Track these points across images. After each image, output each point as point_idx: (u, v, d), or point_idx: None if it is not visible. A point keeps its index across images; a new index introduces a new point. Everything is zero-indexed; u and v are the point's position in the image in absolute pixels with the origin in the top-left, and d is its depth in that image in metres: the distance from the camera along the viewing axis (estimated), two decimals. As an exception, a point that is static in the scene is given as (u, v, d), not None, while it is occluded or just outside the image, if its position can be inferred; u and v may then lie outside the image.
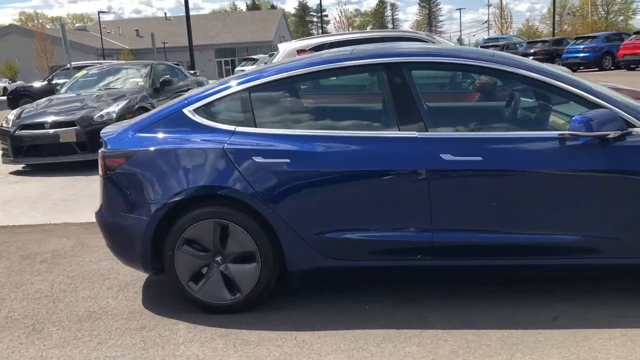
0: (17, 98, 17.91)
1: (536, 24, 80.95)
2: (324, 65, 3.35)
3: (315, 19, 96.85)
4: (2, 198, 6.83)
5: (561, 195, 3.02)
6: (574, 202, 3.02)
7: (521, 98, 3.53)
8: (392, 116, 3.18)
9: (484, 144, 3.07)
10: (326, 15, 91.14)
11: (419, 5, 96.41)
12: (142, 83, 9.39)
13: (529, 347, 2.80)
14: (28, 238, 5.14)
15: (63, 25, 16.70)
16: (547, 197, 3.02)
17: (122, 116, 7.84)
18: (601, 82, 3.45)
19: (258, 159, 3.16)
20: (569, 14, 78.14)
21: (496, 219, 3.07)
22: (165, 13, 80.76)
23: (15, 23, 69.38)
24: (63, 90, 9.83)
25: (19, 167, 8.60)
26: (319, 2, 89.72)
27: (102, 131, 3.70)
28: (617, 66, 24.50)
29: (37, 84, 18.35)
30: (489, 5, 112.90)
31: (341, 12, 78.76)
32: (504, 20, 70.01)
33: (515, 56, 3.54)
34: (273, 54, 19.00)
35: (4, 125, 8.25)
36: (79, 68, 14.04)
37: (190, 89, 10.62)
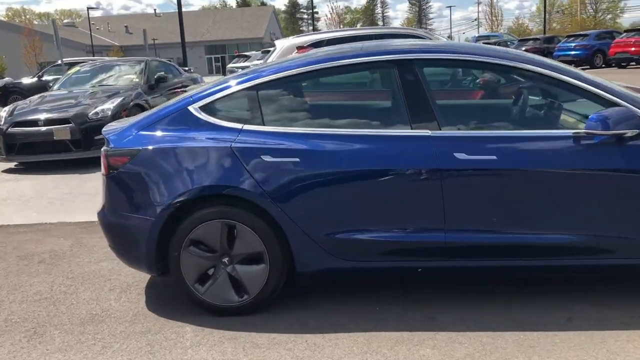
0: (6, 94, 17.66)
1: (526, 22, 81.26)
2: (333, 62, 3.27)
3: (305, 16, 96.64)
4: (-5, 197, 6.71)
5: (576, 195, 2.97)
6: (589, 202, 2.97)
7: (535, 96, 3.48)
8: (404, 114, 3.11)
9: (498, 143, 3.02)
10: (316, 13, 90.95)
11: (409, 2, 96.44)
12: (137, 80, 9.26)
13: (546, 350, 2.75)
14: (24, 238, 5.03)
15: (54, 21, 16.48)
16: (562, 197, 2.97)
17: (117, 113, 7.73)
18: (616, 82, 3.39)
19: (267, 158, 3.09)
20: (558, 12, 78.54)
21: (510, 219, 3.01)
22: (155, 9, 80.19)
23: (2, 19, 68.57)
24: (56, 86, 9.68)
25: (12, 165, 8.45)
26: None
27: (104, 129, 3.60)
28: (608, 64, 24.61)
29: (26, 80, 18.10)
30: (479, 3, 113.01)
31: (332, 9, 78.46)
32: (494, 18, 70.19)
33: (528, 53, 3.48)
34: (267, 50, 18.91)
35: (-4, 122, 8.11)
36: (71, 64, 13.86)
37: (185, 85, 10.51)
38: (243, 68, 20.20)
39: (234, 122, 3.23)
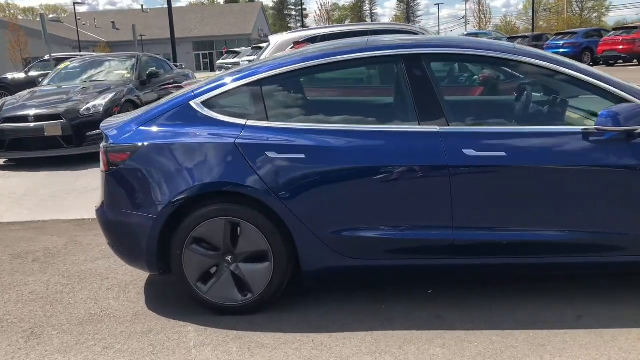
0: (-9, 90, 17.39)
1: (513, 20, 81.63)
2: (340, 57, 3.21)
3: (293, 13, 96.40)
4: (-16, 194, 6.57)
5: (586, 192, 2.94)
6: (599, 199, 2.94)
7: (544, 92, 3.44)
8: (412, 110, 3.06)
9: (507, 139, 2.98)
10: (305, 9, 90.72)
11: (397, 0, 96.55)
12: (129, 75, 9.13)
13: (558, 349, 2.72)
14: (17, 236, 4.93)
15: (43, 16, 16.24)
16: (572, 194, 2.94)
17: (109, 109, 7.62)
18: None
19: (272, 155, 3.02)
20: (545, 10, 78.99)
21: (519, 217, 2.98)
22: (142, 5, 79.54)
23: (-14, 14, 67.66)
24: (45, 82, 9.51)
25: (1, 161, 8.31)
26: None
27: (102, 124, 3.52)
28: (595, 62, 24.75)
29: (11, 76, 17.82)
30: (467, 1, 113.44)
31: (321, 5, 78.21)
32: (483, 15, 70.43)
33: (536, 49, 3.44)
34: (258, 46, 18.80)
35: (-15, 118, 7.95)
36: (59, 60, 13.65)
37: (177, 81, 10.40)
38: (233, 64, 20.11)
39: (236, 118, 3.16)
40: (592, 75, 3.04)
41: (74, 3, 50.43)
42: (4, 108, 8.03)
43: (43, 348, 2.98)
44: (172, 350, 2.90)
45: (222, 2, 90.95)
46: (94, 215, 5.30)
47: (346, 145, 3.03)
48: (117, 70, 9.41)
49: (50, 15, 73.37)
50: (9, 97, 8.84)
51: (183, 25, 57.59)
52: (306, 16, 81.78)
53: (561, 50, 25.48)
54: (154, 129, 3.21)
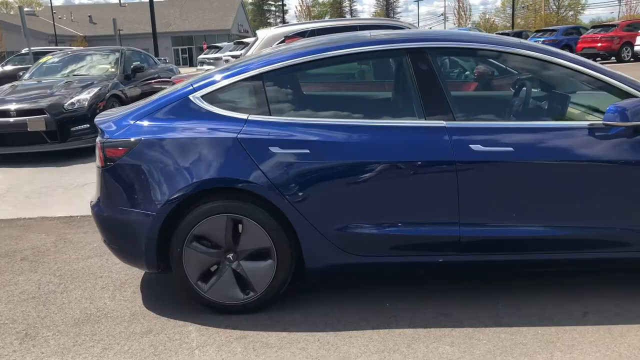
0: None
1: (492, 17, 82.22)
2: (344, 50, 3.15)
3: (273, 8, 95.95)
4: (-34, 191, 6.38)
5: (593, 188, 2.93)
6: (606, 195, 2.93)
7: (549, 87, 3.42)
8: (417, 104, 3.02)
9: (514, 134, 2.95)
10: (284, 5, 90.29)
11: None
12: (113, 69, 8.94)
13: (567, 346, 2.70)
14: (3, 234, 4.78)
15: (21, 8, 15.87)
16: (579, 189, 2.93)
17: (94, 104, 7.45)
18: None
19: (275, 150, 2.95)
20: (522, 7, 79.71)
21: (525, 212, 2.95)
22: (120, 0, 78.35)
23: (-41, 6, 66.12)
24: (27, 76, 9.26)
25: (-19, 157, 8.09)
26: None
27: (97, 119, 3.41)
28: (575, 59, 25.00)
29: None
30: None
31: (302, 0, 77.74)
32: (462, 12, 70.78)
33: (540, 44, 3.42)
34: (240, 41, 18.61)
35: (-36, 113, 7.71)
36: (39, 54, 13.35)
37: (161, 76, 10.24)
38: (215, 59, 19.89)
39: (238, 112, 3.09)
40: (600, 71, 3.03)
41: (50, -4, 49.53)
42: (-16, 103, 7.81)
43: (39, 350, 2.88)
44: (174, 350, 2.82)
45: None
46: (82, 213, 5.26)
47: (351, 140, 2.97)
48: (100, 65, 9.21)
49: (26, 9, 71.84)
50: (-11, 92, 8.59)
51: (161, 20, 56.88)
52: (286, 12, 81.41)
53: (541, 48, 25.70)
54: (153, 123, 3.11)
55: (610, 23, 26.07)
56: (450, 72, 5.29)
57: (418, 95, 3.02)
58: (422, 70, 3.03)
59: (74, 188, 6.16)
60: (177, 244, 3.03)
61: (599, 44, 23.09)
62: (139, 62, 9.47)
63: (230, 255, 3.07)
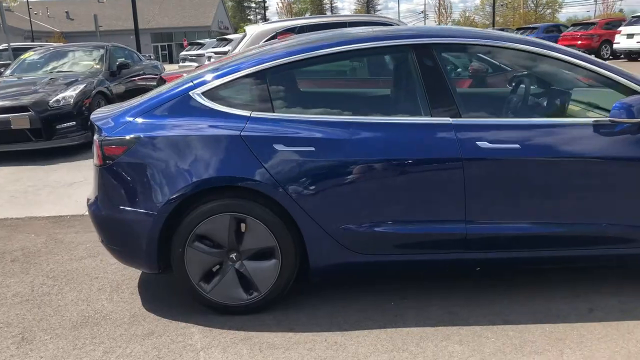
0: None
1: (472, 15, 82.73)
2: (347, 46, 3.10)
3: (253, 5, 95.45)
4: (-52, 190, 6.21)
5: (599, 184, 2.93)
6: (611, 191, 2.93)
7: (553, 84, 3.42)
8: (423, 101, 2.99)
9: (521, 131, 2.94)
10: (265, 1, 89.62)
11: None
12: (98, 66, 8.78)
13: (576, 343, 2.70)
14: (-10, 234, 4.66)
15: (0, 3, 15.50)
16: (586, 186, 2.93)
17: (79, 101, 7.30)
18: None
19: (279, 147, 2.90)
20: (502, 5, 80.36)
21: (533, 209, 2.94)
22: (97, -5, 77.17)
23: None
24: (8, 72, 9.05)
25: (-38, 156, 7.89)
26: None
27: (93, 116, 3.33)
28: (555, 57, 25.26)
29: None
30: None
31: (282, -4, 77.42)
32: (443, 10, 71.18)
33: (546, 41, 3.41)
34: (223, 38, 18.45)
35: (-56, 110, 7.49)
36: (20, 50, 13.07)
37: (147, 73, 10.10)
38: (197, 56, 19.72)
39: (240, 109, 3.03)
40: (606, 68, 3.03)
41: (26, -9, 48.65)
42: (-36, 100, 7.60)
43: (37, 354, 2.80)
44: (178, 353, 2.76)
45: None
46: (71, 212, 5.15)
47: (356, 138, 2.93)
48: (84, 61, 9.04)
49: (0, 4, 70.36)
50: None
51: (141, 17, 55.93)
52: (267, 8, 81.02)
53: (522, 45, 25.90)
54: (152, 120, 3.04)
55: (590, 21, 26.39)
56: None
57: (424, 92, 2.99)
58: (427, 67, 3.00)
59: (62, 187, 6.03)
60: (179, 244, 2.97)
61: (579, 42, 23.34)
62: (124, 59, 9.32)
63: (233, 255, 3.01)
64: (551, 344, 2.70)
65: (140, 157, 2.97)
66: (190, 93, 3.08)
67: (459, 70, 5.19)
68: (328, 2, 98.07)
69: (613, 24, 23.71)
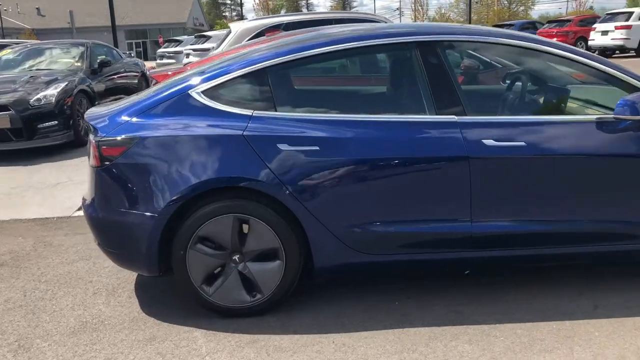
0: None
1: (448, 12, 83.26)
2: (350, 44, 3.05)
3: (229, 1, 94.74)
4: None
5: (605, 181, 2.94)
6: (617, 187, 2.95)
7: (559, 82, 3.42)
8: (428, 99, 2.96)
9: (526, 129, 2.93)
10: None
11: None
12: (79, 64, 8.58)
13: (585, 340, 2.70)
14: (-25, 238, 4.52)
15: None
16: (592, 183, 2.94)
17: (61, 100, 7.13)
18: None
19: (283, 147, 2.85)
20: (476, 2, 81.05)
21: (539, 207, 2.94)
22: (69, -9, 75.77)
23: None
24: (-17, 71, 8.81)
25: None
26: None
27: (87, 115, 3.24)
28: (531, 53, 25.56)
29: None
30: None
31: (258, -7, 76.81)
32: (420, 7, 71.51)
33: (546, 38, 3.41)
34: (202, 35, 18.23)
35: None
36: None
37: (127, 70, 9.94)
38: (175, 53, 19.47)
39: (242, 108, 2.96)
40: (608, 65, 3.04)
41: (-5, -13, 47.55)
42: (-60, 99, 7.36)
43: (36, 362, 2.71)
44: (182, 358, 2.70)
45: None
46: (58, 214, 5.03)
47: (360, 136, 2.90)
48: (63, 59, 8.83)
49: (-32, 0, 68.86)
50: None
51: (114, 13, 55.42)
52: (242, 5, 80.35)
53: (498, 42, 26.16)
54: (151, 120, 2.96)
55: (565, 18, 26.76)
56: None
57: (429, 90, 2.96)
58: (432, 64, 2.98)
59: (46, 188, 5.88)
60: (181, 246, 2.90)
61: (555, 39, 23.61)
62: (104, 56, 9.14)
63: (236, 257, 2.95)
64: (560, 341, 2.70)
65: (140, 157, 2.89)
66: (190, 92, 3.01)
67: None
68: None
69: (587, 21, 24.08)
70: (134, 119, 2.98)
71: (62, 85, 7.35)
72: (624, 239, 3.03)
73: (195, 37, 19.56)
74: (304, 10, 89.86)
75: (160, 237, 2.89)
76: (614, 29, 20.37)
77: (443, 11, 79.69)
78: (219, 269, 2.98)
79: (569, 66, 3.17)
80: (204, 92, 3.00)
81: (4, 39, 38.70)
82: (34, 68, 8.65)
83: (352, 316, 3.01)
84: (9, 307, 3.29)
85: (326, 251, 2.95)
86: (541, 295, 3.13)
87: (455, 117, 2.92)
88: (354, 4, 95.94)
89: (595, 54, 3.16)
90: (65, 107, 7.18)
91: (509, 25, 27.57)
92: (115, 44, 17.12)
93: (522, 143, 2.88)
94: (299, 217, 2.88)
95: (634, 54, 20.24)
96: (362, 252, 2.97)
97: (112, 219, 2.99)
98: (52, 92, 7.16)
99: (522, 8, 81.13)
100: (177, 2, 62.38)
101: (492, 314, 2.97)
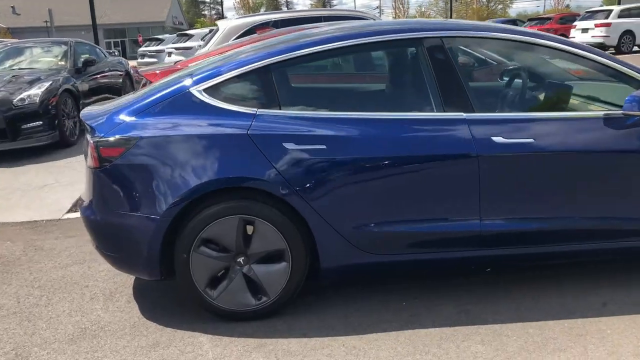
0: None
1: (428, 11, 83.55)
2: (355, 40, 2.99)
3: (207, 0, 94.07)
4: None
5: (614, 177, 2.92)
6: (627, 184, 2.93)
7: (566, 77, 3.40)
8: (436, 96, 2.91)
9: (534, 125, 2.90)
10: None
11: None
12: (62, 63, 8.38)
13: (598, 338, 2.67)
14: (-38, 243, 4.37)
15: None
16: (600, 179, 2.92)
17: (45, 100, 6.95)
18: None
19: (289, 146, 2.78)
20: (456, 0, 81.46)
21: (548, 204, 2.91)
22: (44, -11, 74.59)
23: None
24: (-36, 70, 8.57)
25: None
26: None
27: (84, 115, 3.13)
28: (512, 51, 25.70)
29: None
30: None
31: (238, -9, 76.30)
32: (400, 5, 71.70)
33: (552, 34, 3.38)
34: (184, 33, 18.06)
35: None
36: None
37: (112, 69, 9.76)
38: (157, 52, 19.28)
39: (245, 106, 2.89)
40: (615, 60, 3.02)
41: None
42: None
43: (36, 372, 2.61)
44: (189, 364, 2.62)
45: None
46: (46, 217, 4.89)
47: (368, 135, 2.83)
48: (46, 58, 8.62)
49: (-59, -1, 67.31)
50: None
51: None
52: (221, 3, 79.83)
53: (480, 40, 26.27)
54: (151, 119, 2.87)
55: (546, 16, 26.98)
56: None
57: (436, 87, 2.91)
58: (439, 61, 2.93)
59: (33, 190, 5.73)
60: (184, 249, 2.82)
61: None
62: (88, 55, 8.95)
63: (240, 259, 2.88)
64: (573, 340, 2.67)
65: (140, 158, 2.80)
66: (191, 90, 2.93)
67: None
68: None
69: (567, 18, 24.30)
70: (133, 118, 2.89)
71: (46, 84, 7.17)
72: (633, 236, 3.01)
73: (177, 36, 19.41)
74: (284, 8, 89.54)
75: (163, 239, 2.81)
76: (594, 26, 20.56)
77: (423, 9, 79.96)
78: (223, 271, 2.91)
79: (575, 62, 3.15)
80: (205, 90, 2.92)
81: (-22, 38, 37.95)
82: (16, 67, 8.45)
83: (360, 317, 2.96)
84: (2, 314, 3.17)
85: (333, 252, 2.89)
86: (547, 294, 3.10)
87: (464, 114, 2.87)
88: (334, 1, 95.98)
89: (604, 52, 3.13)
90: (50, 107, 7.01)
91: (490, 23, 27.70)
92: (97, 43, 16.86)
93: (531, 140, 2.85)
94: (305, 217, 2.81)
95: (614, 51, 20.48)
96: (370, 252, 2.91)
97: (111, 222, 2.90)
98: (36, 91, 6.98)
99: (500, 6, 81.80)
100: (156, 1, 61.77)
101: (502, 313, 2.93)
